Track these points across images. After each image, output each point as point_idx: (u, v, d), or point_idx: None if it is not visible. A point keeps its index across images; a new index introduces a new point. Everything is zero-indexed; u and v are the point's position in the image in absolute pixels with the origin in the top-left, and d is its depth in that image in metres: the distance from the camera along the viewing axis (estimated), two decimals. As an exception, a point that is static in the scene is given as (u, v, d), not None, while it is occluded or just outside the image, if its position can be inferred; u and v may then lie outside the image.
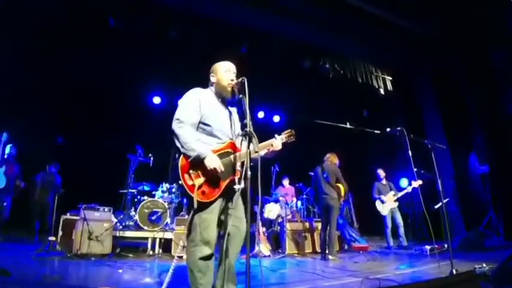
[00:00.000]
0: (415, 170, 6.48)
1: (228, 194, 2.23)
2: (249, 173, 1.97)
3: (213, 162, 2.08)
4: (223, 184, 2.16)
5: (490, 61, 6.96)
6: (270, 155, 2.45)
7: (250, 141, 2.01)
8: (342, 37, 7.64)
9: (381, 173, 7.07)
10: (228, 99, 2.40)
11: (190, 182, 2.12)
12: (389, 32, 7.35)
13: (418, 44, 7.74)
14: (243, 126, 2.20)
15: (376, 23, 7.03)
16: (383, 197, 6.73)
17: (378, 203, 6.80)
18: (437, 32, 7.36)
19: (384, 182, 7.01)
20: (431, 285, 1.35)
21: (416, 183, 6.33)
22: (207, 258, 2.14)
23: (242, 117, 2.24)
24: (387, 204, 6.69)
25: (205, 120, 2.28)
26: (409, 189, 6.49)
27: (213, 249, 2.17)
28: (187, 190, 2.12)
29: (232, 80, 2.35)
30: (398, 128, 3.85)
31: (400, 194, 6.72)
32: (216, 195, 2.14)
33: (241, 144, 2.27)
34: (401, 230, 6.62)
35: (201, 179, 2.12)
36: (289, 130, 2.49)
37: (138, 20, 6.83)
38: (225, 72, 2.39)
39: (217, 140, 2.27)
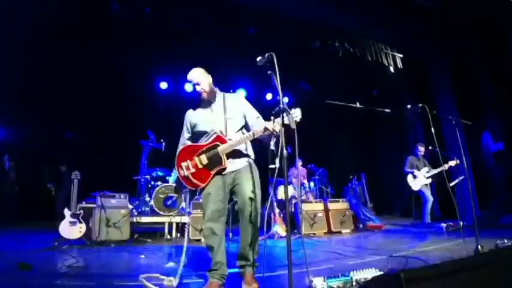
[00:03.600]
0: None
1: (223, 176, 2.60)
2: (284, 151, 1.92)
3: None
4: (211, 173, 2.57)
5: (504, 40, 6.75)
6: (268, 139, 2.59)
7: (283, 117, 1.95)
8: (352, 14, 7.41)
9: (421, 148, 6.73)
10: (211, 98, 2.74)
11: (182, 174, 2.63)
12: (401, 11, 7.10)
13: (431, 23, 7.50)
14: (277, 102, 2.14)
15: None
16: (416, 172, 6.50)
17: (409, 177, 6.55)
18: (451, 11, 7.10)
19: (420, 157, 6.74)
20: (472, 262, 1.31)
21: (453, 162, 6.08)
22: (210, 232, 2.54)
23: (274, 93, 2.18)
24: (419, 180, 6.48)
25: (196, 128, 2.74)
26: (446, 167, 6.09)
27: (214, 224, 2.54)
28: (181, 180, 2.66)
29: (198, 87, 2.70)
30: (420, 105, 3.74)
31: (434, 171, 6.45)
32: (205, 182, 2.57)
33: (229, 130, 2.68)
34: (429, 206, 6.42)
35: (193, 170, 2.58)
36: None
37: (141, 4, 6.66)
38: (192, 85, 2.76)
39: (206, 137, 2.67)
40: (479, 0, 6.44)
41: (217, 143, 2.56)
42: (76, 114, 7.18)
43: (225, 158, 2.55)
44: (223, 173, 2.59)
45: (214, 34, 7.26)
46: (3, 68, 6.19)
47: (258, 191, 2.58)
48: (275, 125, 2.33)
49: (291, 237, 5.46)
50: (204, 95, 2.71)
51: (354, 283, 2.33)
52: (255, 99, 8.80)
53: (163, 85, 8.30)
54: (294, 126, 2.02)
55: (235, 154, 2.62)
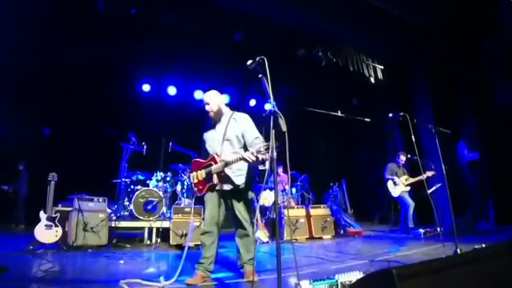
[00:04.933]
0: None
1: (218, 191, 3.00)
2: (274, 153, 1.93)
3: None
4: (206, 186, 3.00)
5: (482, 51, 7.09)
6: (255, 165, 2.89)
7: (276, 120, 1.96)
8: (335, 25, 7.62)
9: (402, 157, 6.90)
10: (218, 117, 3.11)
11: (192, 180, 3.13)
12: (382, 21, 7.35)
13: (411, 33, 7.81)
14: (263, 107, 2.17)
15: (370, 11, 7.02)
16: (396, 179, 6.64)
17: (389, 184, 6.68)
18: (429, 22, 7.42)
19: (400, 165, 6.90)
20: (461, 259, 1.36)
21: (431, 173, 6.30)
22: (206, 233, 2.98)
23: (264, 98, 2.20)
24: (399, 187, 6.62)
25: (204, 145, 3.20)
26: (423, 176, 6.21)
27: (210, 228, 2.97)
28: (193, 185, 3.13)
29: (208, 107, 3.09)
30: (401, 114, 3.87)
31: (413, 180, 6.63)
32: (202, 192, 3.03)
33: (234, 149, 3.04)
34: (411, 211, 6.55)
35: (196, 181, 3.07)
36: (267, 144, 2.52)
37: (125, 4, 6.56)
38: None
39: (208, 155, 3.09)
40: (459, 10, 6.77)
41: (211, 162, 2.96)
42: (55, 114, 6.96)
43: (216, 177, 2.93)
44: (217, 188, 2.97)
45: (199, 39, 7.24)
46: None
47: (248, 210, 3.02)
48: (249, 156, 2.65)
49: (272, 243, 5.48)
50: (211, 114, 3.10)
51: (340, 286, 2.34)
52: (238, 105, 8.81)
53: (146, 87, 8.18)
54: (284, 129, 2.04)
55: (228, 176, 2.94)
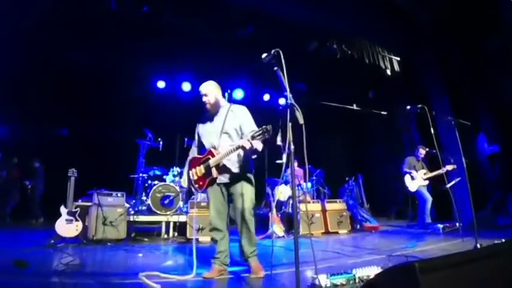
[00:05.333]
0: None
1: (219, 185, 2.97)
2: (292, 146, 1.92)
3: (182, 182, 3.25)
4: (206, 181, 2.92)
5: (496, 42, 6.85)
6: (251, 152, 2.87)
7: (292, 113, 1.95)
8: (349, 18, 7.47)
9: (422, 151, 6.68)
10: (216, 110, 3.05)
11: (191, 177, 3.05)
12: (396, 15, 7.19)
13: (425, 26, 7.59)
14: (285, 97, 2.14)
15: (384, 5, 6.86)
16: (414, 173, 6.50)
17: (407, 178, 6.53)
18: (442, 16, 7.20)
19: (420, 159, 6.71)
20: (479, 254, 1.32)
21: (451, 167, 6.10)
22: (214, 230, 3.01)
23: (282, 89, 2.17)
24: (417, 181, 6.47)
25: (200, 139, 3.14)
26: (443, 170, 6.11)
27: (217, 223, 2.98)
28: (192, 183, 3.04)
29: (205, 98, 3.02)
30: (419, 106, 3.77)
31: (431, 174, 6.44)
32: (203, 188, 2.96)
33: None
34: (429, 205, 6.39)
35: (196, 177, 3.00)
36: (261, 128, 2.53)
37: (137, 2, 6.62)
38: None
39: (205, 148, 3.05)
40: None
41: (209, 156, 2.91)
42: (74, 113, 7.14)
43: (215, 170, 2.87)
44: (218, 182, 2.94)
45: (212, 34, 7.25)
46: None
47: (249, 201, 2.91)
48: (244, 142, 2.64)
49: (288, 238, 5.48)
50: (208, 106, 3.03)
51: (357, 280, 2.33)
52: (253, 100, 8.80)
53: (161, 84, 8.28)
54: (301, 121, 2.02)
55: (227, 168, 2.91)
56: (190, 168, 3.06)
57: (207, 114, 3.11)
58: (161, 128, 6.49)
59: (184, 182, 3.15)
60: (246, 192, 2.92)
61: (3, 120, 7.03)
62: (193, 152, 3.20)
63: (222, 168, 2.90)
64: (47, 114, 7.11)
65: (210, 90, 3.02)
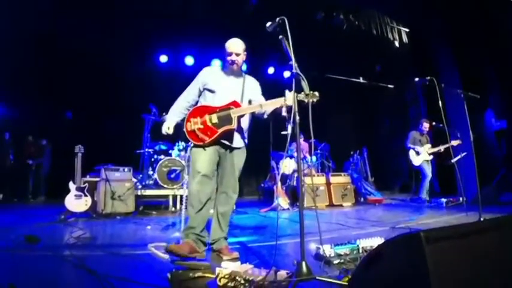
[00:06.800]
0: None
1: (222, 145, 2.68)
2: (297, 117, 1.90)
3: (163, 127, 2.87)
4: (218, 131, 2.57)
5: (502, 20, 6.55)
6: (261, 115, 2.72)
7: (298, 82, 1.91)
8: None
9: (426, 125, 6.59)
10: (237, 72, 2.79)
11: (189, 128, 2.64)
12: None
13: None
14: (290, 67, 2.09)
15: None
16: (418, 148, 6.43)
17: (411, 153, 6.49)
18: None
19: (424, 133, 6.65)
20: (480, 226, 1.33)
21: (456, 142, 6.02)
22: (199, 184, 2.55)
23: (288, 59, 2.11)
24: (421, 156, 6.43)
25: (209, 87, 2.73)
26: (442, 149, 6.13)
27: (205, 179, 2.57)
28: (187, 134, 2.65)
29: (235, 57, 2.71)
30: (428, 78, 3.69)
31: (436, 149, 6.40)
32: (210, 138, 2.56)
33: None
34: (427, 182, 6.42)
35: (202, 126, 2.59)
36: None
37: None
38: (227, 51, 2.74)
39: (220, 102, 2.65)
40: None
41: (232, 106, 2.60)
42: (78, 89, 7.10)
43: (236, 120, 2.57)
44: (223, 141, 2.65)
45: (214, 5, 7.05)
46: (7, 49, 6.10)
47: (238, 174, 2.76)
48: (287, 101, 2.32)
49: (293, 210, 5.56)
50: (235, 67, 2.75)
51: (361, 250, 2.38)
52: (257, 73, 8.66)
53: (163, 58, 8.18)
54: (307, 91, 1.99)
55: (240, 128, 2.71)
56: (192, 117, 2.66)
57: (224, 70, 2.82)
58: (166, 103, 6.43)
59: (169, 128, 2.81)
60: (239, 167, 2.76)
61: (11, 100, 7.04)
62: (187, 100, 2.84)
63: (239, 127, 2.65)
64: (52, 92, 7.10)
65: (242, 52, 2.74)
